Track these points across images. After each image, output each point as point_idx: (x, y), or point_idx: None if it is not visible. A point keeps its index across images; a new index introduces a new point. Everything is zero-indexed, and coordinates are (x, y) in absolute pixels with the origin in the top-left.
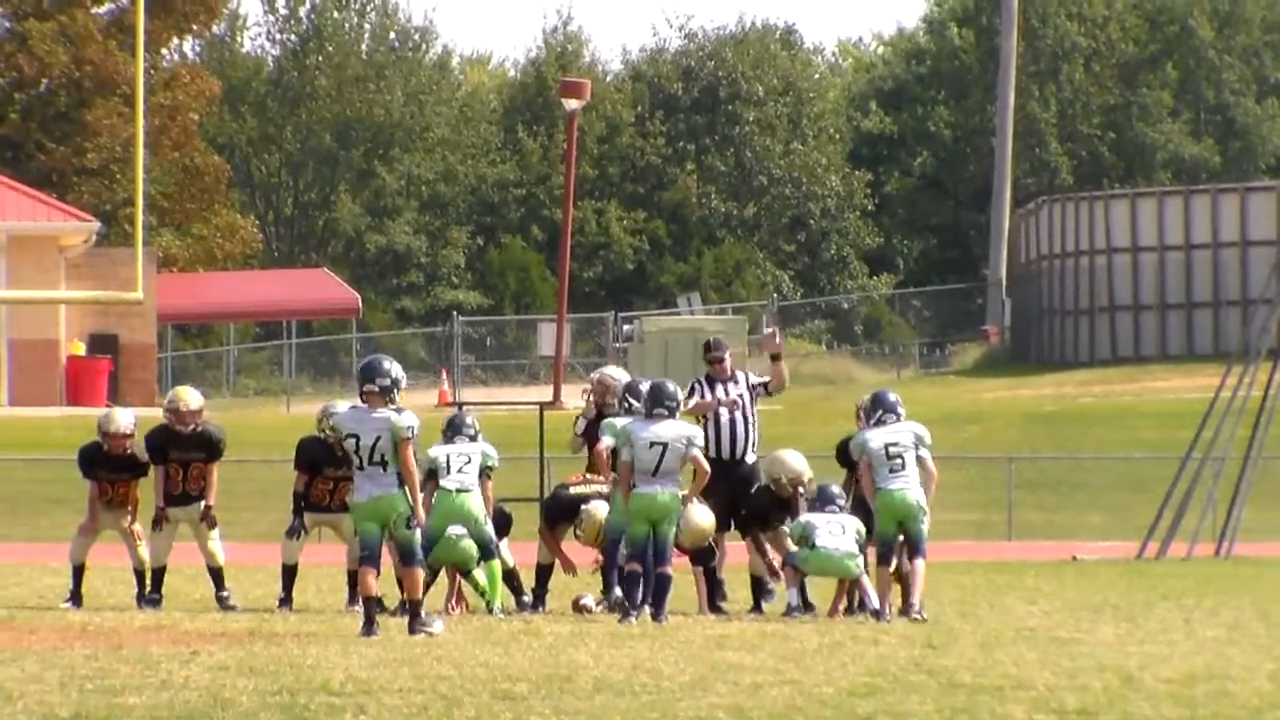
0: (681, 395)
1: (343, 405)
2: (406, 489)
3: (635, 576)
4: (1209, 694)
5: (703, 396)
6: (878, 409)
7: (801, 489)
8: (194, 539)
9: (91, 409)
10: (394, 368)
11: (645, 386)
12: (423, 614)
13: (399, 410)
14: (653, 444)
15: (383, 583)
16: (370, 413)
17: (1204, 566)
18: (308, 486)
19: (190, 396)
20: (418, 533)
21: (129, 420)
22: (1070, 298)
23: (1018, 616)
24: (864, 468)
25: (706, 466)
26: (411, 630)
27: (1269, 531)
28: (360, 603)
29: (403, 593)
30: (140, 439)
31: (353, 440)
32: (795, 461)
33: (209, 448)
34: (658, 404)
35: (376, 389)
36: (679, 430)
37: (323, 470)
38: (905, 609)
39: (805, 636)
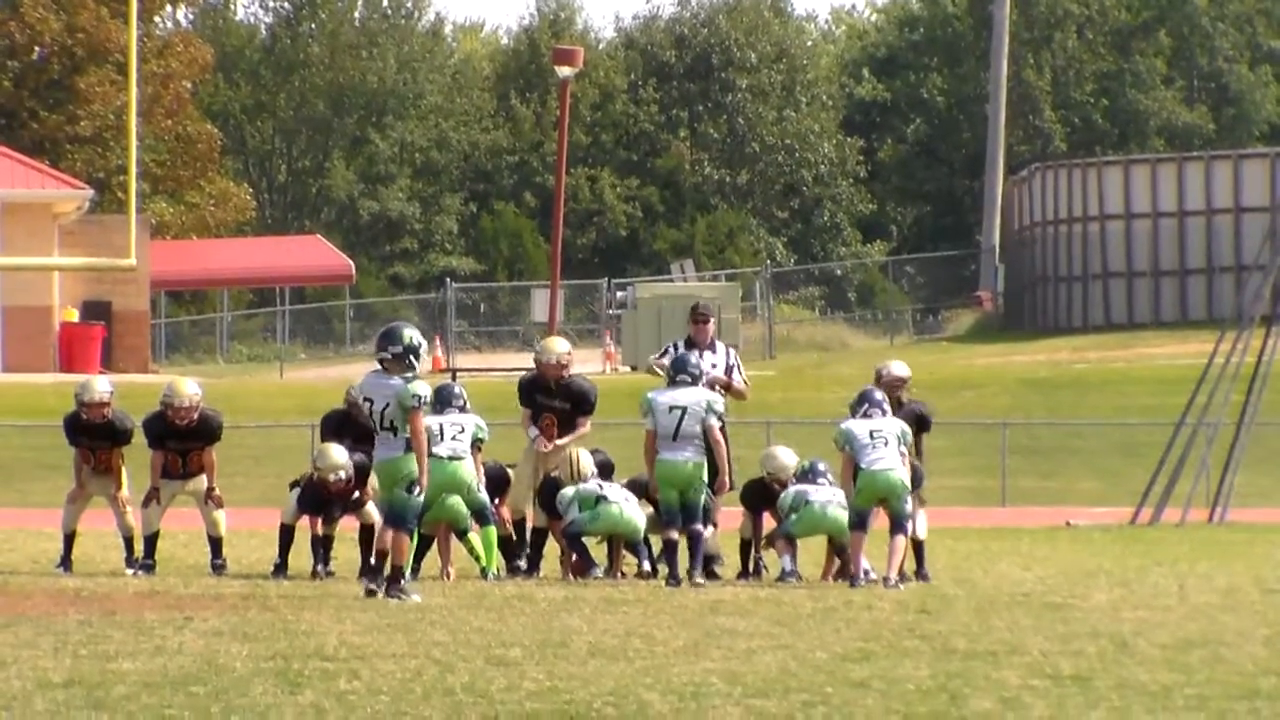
0: (705, 366)
1: (337, 449)
2: (413, 454)
3: (673, 544)
4: (1203, 659)
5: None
6: (863, 404)
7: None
8: (192, 506)
9: (87, 375)
10: (411, 334)
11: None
12: (404, 582)
13: (411, 378)
14: (672, 408)
15: (348, 547)
16: (386, 379)
17: (1198, 532)
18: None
19: (187, 390)
20: (413, 500)
21: (105, 388)
22: (1064, 264)
23: (1012, 582)
24: (844, 459)
25: (719, 437)
26: (388, 593)
27: (1262, 497)
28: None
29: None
30: (120, 406)
31: (368, 404)
32: (785, 458)
33: (207, 435)
34: (680, 372)
35: (389, 355)
36: (699, 395)
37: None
38: (885, 580)
39: (799, 602)
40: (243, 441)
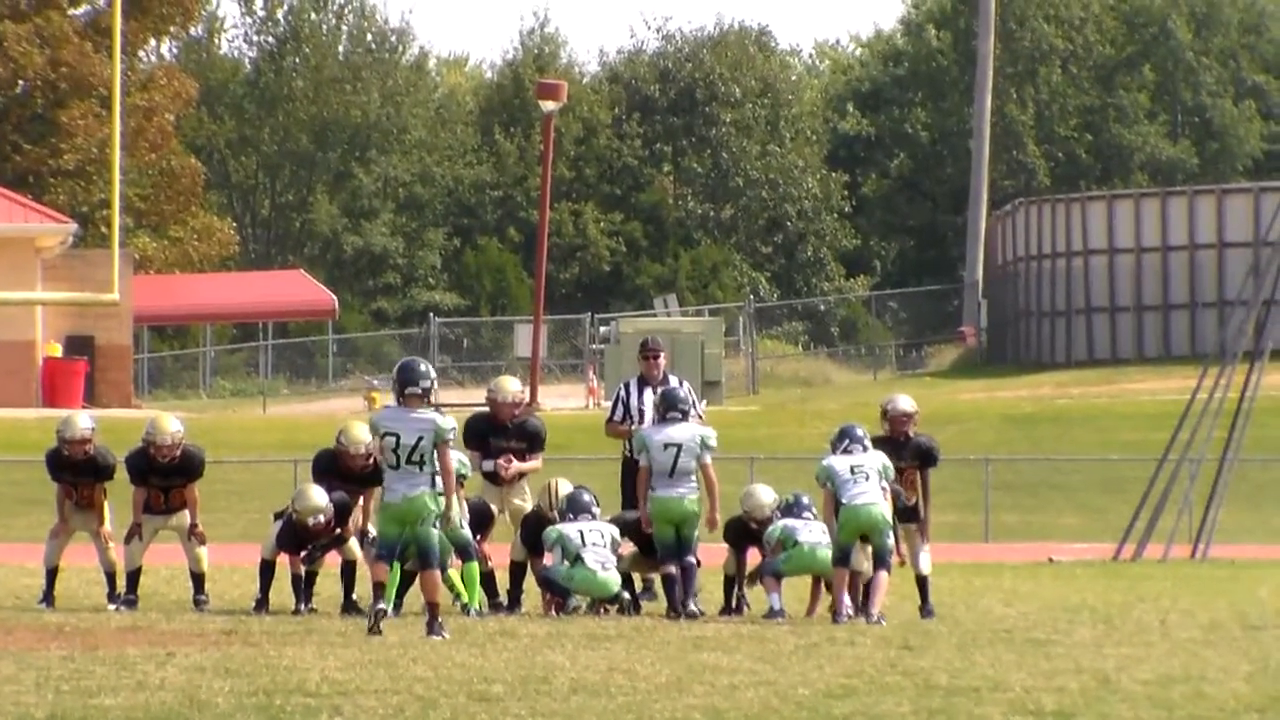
0: (693, 398)
1: (316, 491)
2: (436, 489)
3: (672, 579)
4: (1185, 695)
5: (627, 401)
6: (844, 439)
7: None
8: (174, 541)
9: (69, 410)
10: (430, 370)
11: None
12: (439, 619)
13: (439, 410)
14: (667, 445)
15: (331, 583)
16: (410, 413)
17: (1180, 568)
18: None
19: (169, 427)
20: (435, 534)
21: (87, 424)
22: (1047, 299)
23: (995, 618)
24: (826, 496)
25: (714, 476)
26: (430, 630)
27: (1245, 533)
28: (352, 601)
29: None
30: (103, 442)
31: (392, 439)
32: (765, 496)
33: (189, 472)
34: (671, 409)
35: (419, 390)
36: (693, 431)
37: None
38: (866, 616)
39: (782, 638)
40: (225, 477)
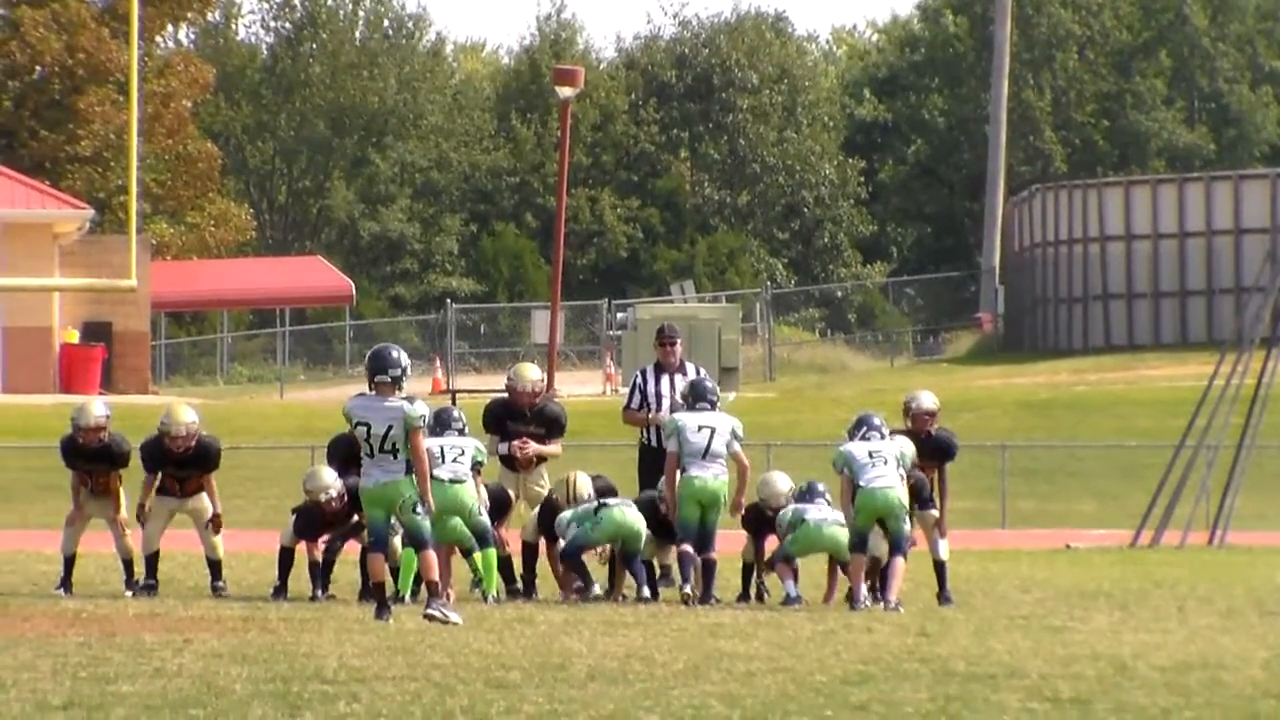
0: (665, 390)
1: (326, 470)
2: (413, 476)
3: (688, 556)
4: (1203, 682)
5: (644, 388)
6: (862, 427)
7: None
8: (190, 528)
9: (85, 397)
10: (402, 357)
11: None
12: (442, 596)
13: (410, 399)
14: (701, 427)
15: (349, 569)
16: (382, 401)
17: (1197, 554)
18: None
19: (184, 418)
20: (426, 517)
21: (101, 412)
22: (1064, 285)
23: (1011, 604)
24: (844, 483)
25: (747, 463)
26: (429, 607)
27: (1262, 520)
28: (370, 589)
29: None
30: (119, 430)
31: (363, 428)
32: (782, 484)
33: (204, 463)
34: (700, 399)
35: (389, 379)
36: (725, 419)
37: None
38: (884, 602)
39: (799, 625)
40: (242, 463)
